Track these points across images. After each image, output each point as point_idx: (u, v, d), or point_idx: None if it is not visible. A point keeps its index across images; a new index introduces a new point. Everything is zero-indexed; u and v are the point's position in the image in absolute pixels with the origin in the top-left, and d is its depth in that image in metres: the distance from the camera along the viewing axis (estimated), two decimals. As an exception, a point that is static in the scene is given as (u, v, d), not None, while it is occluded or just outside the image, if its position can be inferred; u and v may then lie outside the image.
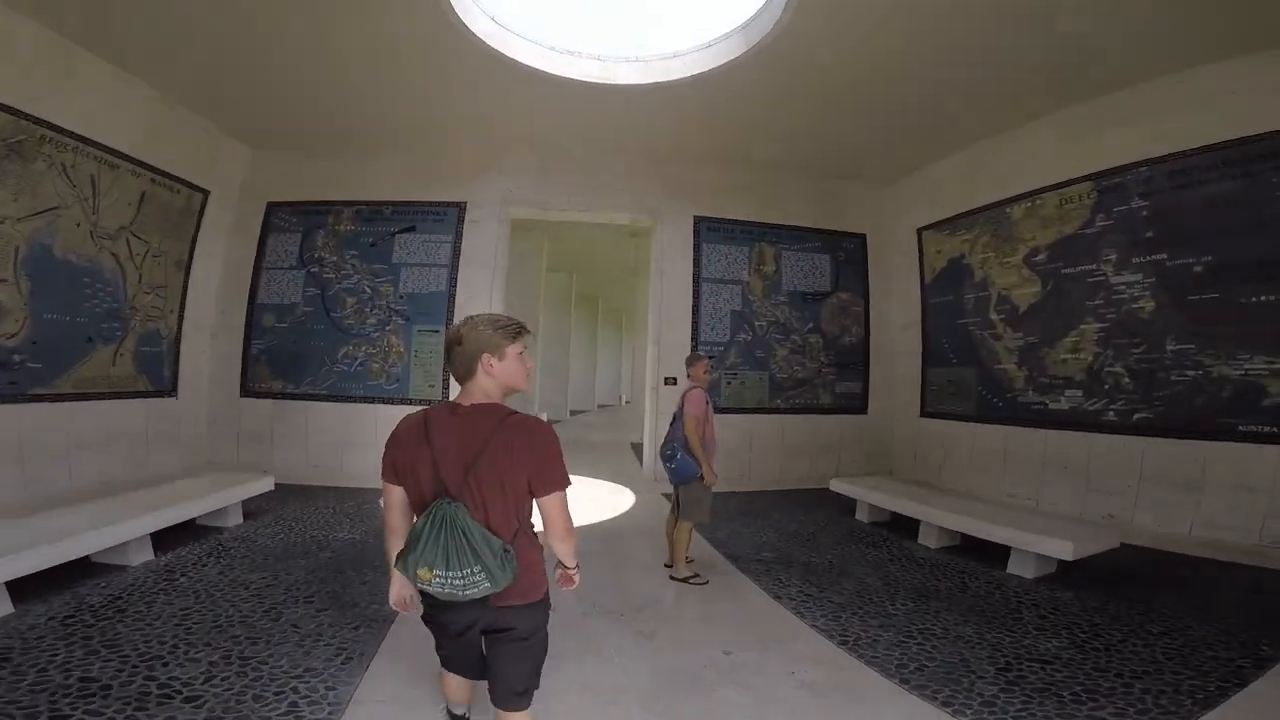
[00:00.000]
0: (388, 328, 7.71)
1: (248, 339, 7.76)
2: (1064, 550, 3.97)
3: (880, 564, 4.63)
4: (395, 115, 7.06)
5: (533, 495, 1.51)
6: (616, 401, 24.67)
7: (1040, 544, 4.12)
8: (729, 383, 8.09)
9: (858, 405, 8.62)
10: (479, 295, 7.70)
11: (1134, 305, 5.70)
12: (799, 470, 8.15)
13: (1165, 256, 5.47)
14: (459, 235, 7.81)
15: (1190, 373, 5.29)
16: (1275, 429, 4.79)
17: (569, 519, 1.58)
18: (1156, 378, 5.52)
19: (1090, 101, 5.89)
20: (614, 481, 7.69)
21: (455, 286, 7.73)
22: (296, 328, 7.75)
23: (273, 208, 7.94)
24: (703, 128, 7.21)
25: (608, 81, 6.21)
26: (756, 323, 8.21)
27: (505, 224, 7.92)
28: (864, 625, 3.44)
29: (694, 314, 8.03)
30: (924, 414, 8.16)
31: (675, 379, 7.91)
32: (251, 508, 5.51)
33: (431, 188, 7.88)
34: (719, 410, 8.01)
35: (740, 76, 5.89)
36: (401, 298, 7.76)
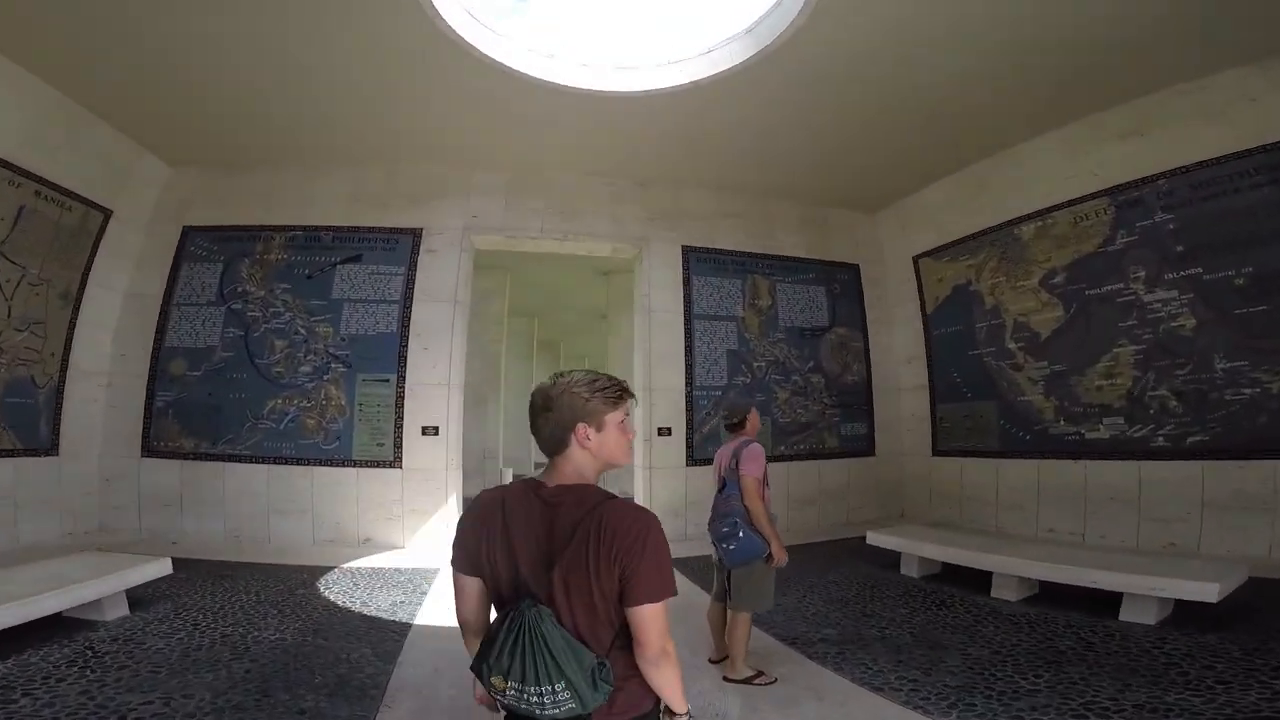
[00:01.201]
0: (325, 377, 6.56)
1: (151, 389, 6.45)
2: (1209, 592, 3.36)
3: (969, 628, 3.82)
4: (342, 125, 6.22)
5: (623, 603, 1.16)
6: None
7: (1177, 588, 3.50)
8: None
9: (864, 447, 7.95)
10: (437, 337, 6.70)
11: (1173, 324, 5.31)
12: (808, 521, 7.33)
13: (1201, 270, 5.13)
14: (413, 266, 6.84)
15: (1247, 390, 4.86)
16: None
17: (663, 638, 1.18)
18: (1209, 398, 5.08)
19: (1095, 115, 5.72)
20: None
21: (408, 327, 6.71)
22: (213, 376, 6.49)
23: (190, 233, 6.79)
24: (690, 147, 6.68)
25: (592, 89, 5.59)
26: (755, 363, 7.51)
27: (468, 254, 7.02)
28: (1011, 710, 2.69)
29: (687, 354, 7.26)
30: (936, 452, 7.55)
31: (669, 429, 7.05)
32: (142, 594, 4.20)
33: (383, 211, 6.95)
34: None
35: (737, 84, 5.44)
36: (343, 340, 6.65)
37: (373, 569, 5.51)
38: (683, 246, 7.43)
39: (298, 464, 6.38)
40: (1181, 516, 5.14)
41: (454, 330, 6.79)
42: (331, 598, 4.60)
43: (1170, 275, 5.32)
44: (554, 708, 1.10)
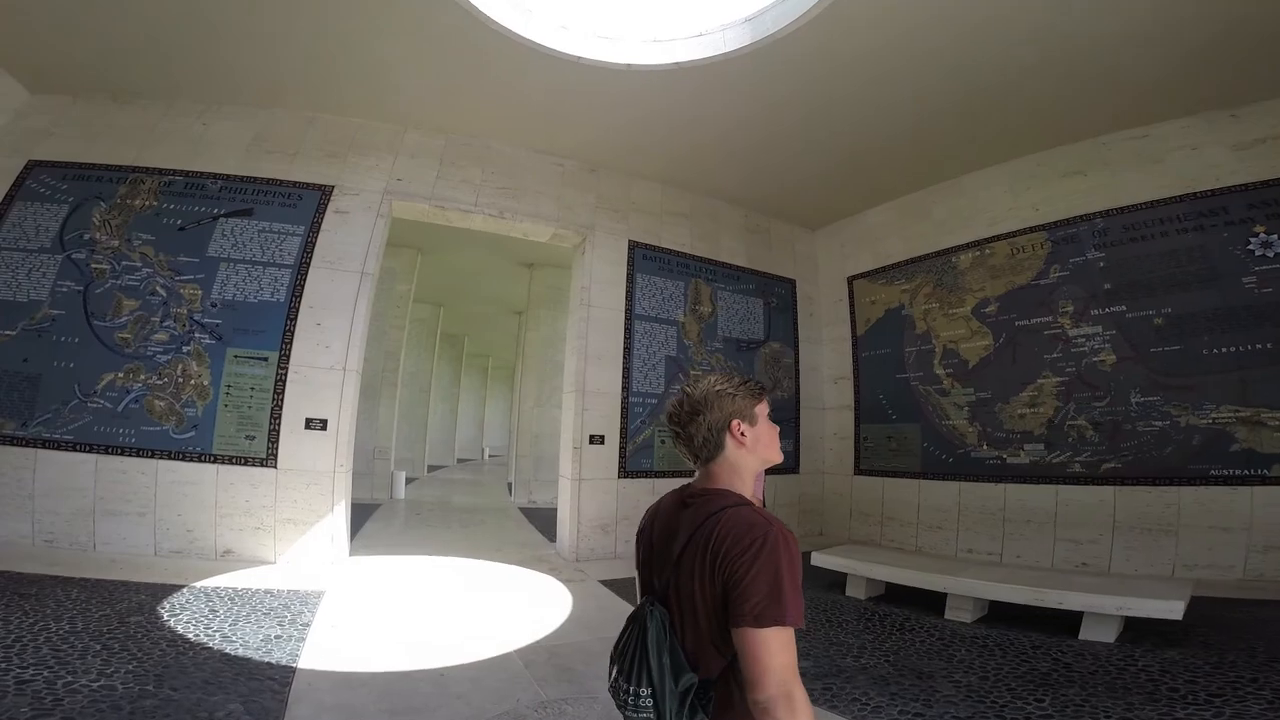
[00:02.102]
0: (185, 349, 5.28)
1: (-68, 351, 4.83)
2: (1175, 610, 3.43)
3: (941, 653, 3.65)
4: (252, 61, 5.18)
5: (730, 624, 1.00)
6: (478, 456, 22.40)
7: (1143, 606, 3.53)
8: (663, 442, 6.82)
9: (789, 464, 7.84)
10: (336, 312, 5.66)
11: (1094, 358, 5.64)
12: None
13: (1125, 308, 5.49)
14: (316, 228, 5.75)
15: (1157, 423, 5.22)
16: (1247, 472, 4.76)
17: (783, 679, 0.92)
18: (1122, 429, 5.42)
19: (1042, 153, 6.02)
20: (520, 565, 5.82)
21: (300, 297, 5.59)
22: (33, 338, 5.03)
23: (35, 168, 5.33)
24: (650, 135, 6.28)
25: (566, 52, 4.97)
26: (693, 371, 7.14)
27: (385, 221, 6.03)
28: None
29: (625, 357, 6.73)
30: (858, 471, 7.61)
31: (602, 437, 6.46)
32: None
33: (289, 163, 5.85)
34: (655, 473, 6.82)
35: (718, 74, 5.14)
36: (214, 306, 5.42)
37: (236, 590, 4.38)
38: (630, 241, 6.93)
39: (138, 455, 5.03)
40: (1093, 538, 5.42)
41: (358, 306, 5.76)
42: (181, 628, 3.50)
43: (1096, 311, 5.65)
44: (634, 711, 1.05)
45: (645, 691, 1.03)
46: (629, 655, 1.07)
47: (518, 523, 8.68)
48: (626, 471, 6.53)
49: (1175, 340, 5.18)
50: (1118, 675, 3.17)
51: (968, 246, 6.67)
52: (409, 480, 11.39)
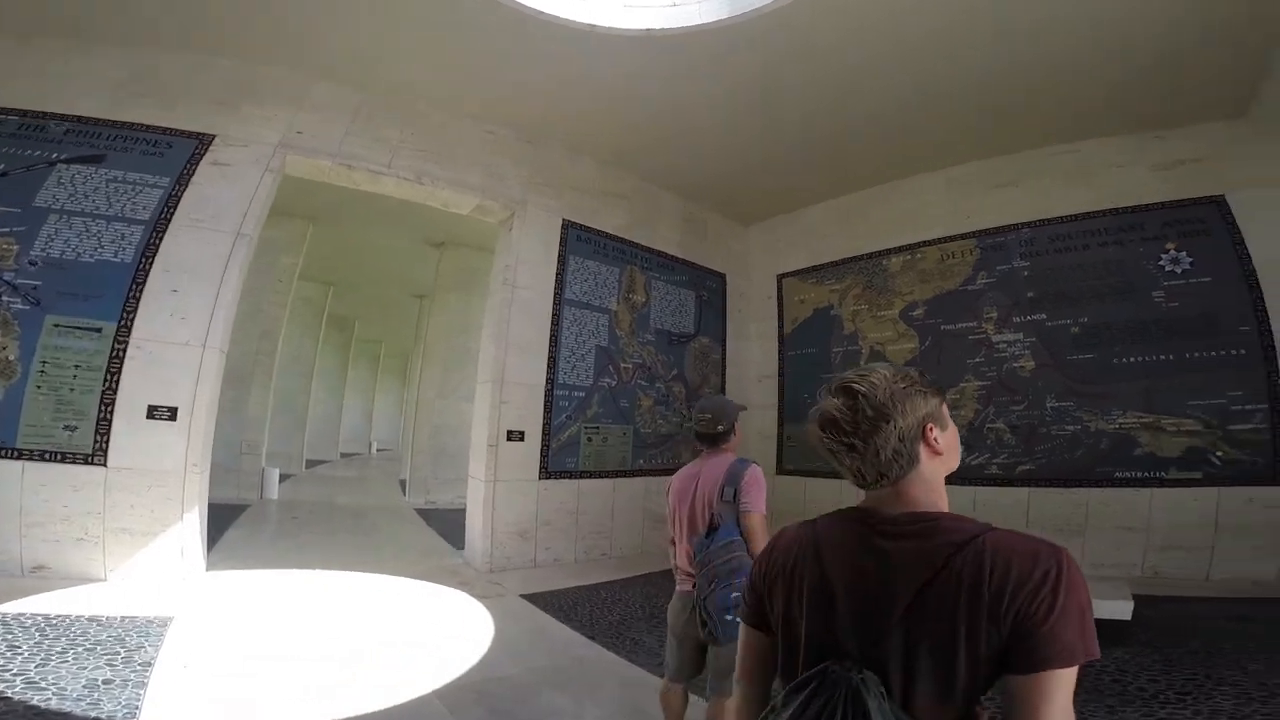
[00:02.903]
0: (-13, 315, 4.06)
1: None
2: (1125, 610, 3.56)
3: None
4: None
5: (1006, 669, 0.80)
6: (365, 450, 20.73)
7: (1099, 608, 3.49)
8: (589, 439, 6.29)
9: (718, 463, 7.63)
10: (200, 279, 4.63)
11: (1015, 364, 5.85)
12: (660, 539, 6.68)
13: (1045, 317, 5.73)
14: (184, 180, 4.69)
15: (1070, 427, 5.49)
16: (1148, 475, 5.10)
17: (1069, 708, 0.81)
18: (1037, 432, 5.65)
19: (977, 162, 6.17)
20: (425, 579, 5.02)
21: (154, 259, 4.49)
22: None
23: None
24: (594, 107, 5.76)
25: (524, 3, 4.32)
26: (623, 364, 6.67)
27: (274, 177, 5.03)
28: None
29: (552, 345, 6.12)
30: (781, 471, 7.54)
31: (522, 434, 5.81)
32: None
33: (166, 109, 4.86)
34: (580, 474, 6.26)
35: (679, 48, 4.79)
36: (32, 264, 4.25)
37: (49, 617, 3.35)
38: (564, 220, 6.31)
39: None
40: (1010, 539, 5.61)
41: (228, 273, 4.71)
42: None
43: (1018, 319, 5.87)
44: None
45: None
46: None
47: (416, 527, 7.76)
48: (548, 472, 5.92)
49: (1090, 349, 5.46)
50: (1082, 678, 3.11)
51: (900, 250, 6.75)
52: (283, 477, 9.95)
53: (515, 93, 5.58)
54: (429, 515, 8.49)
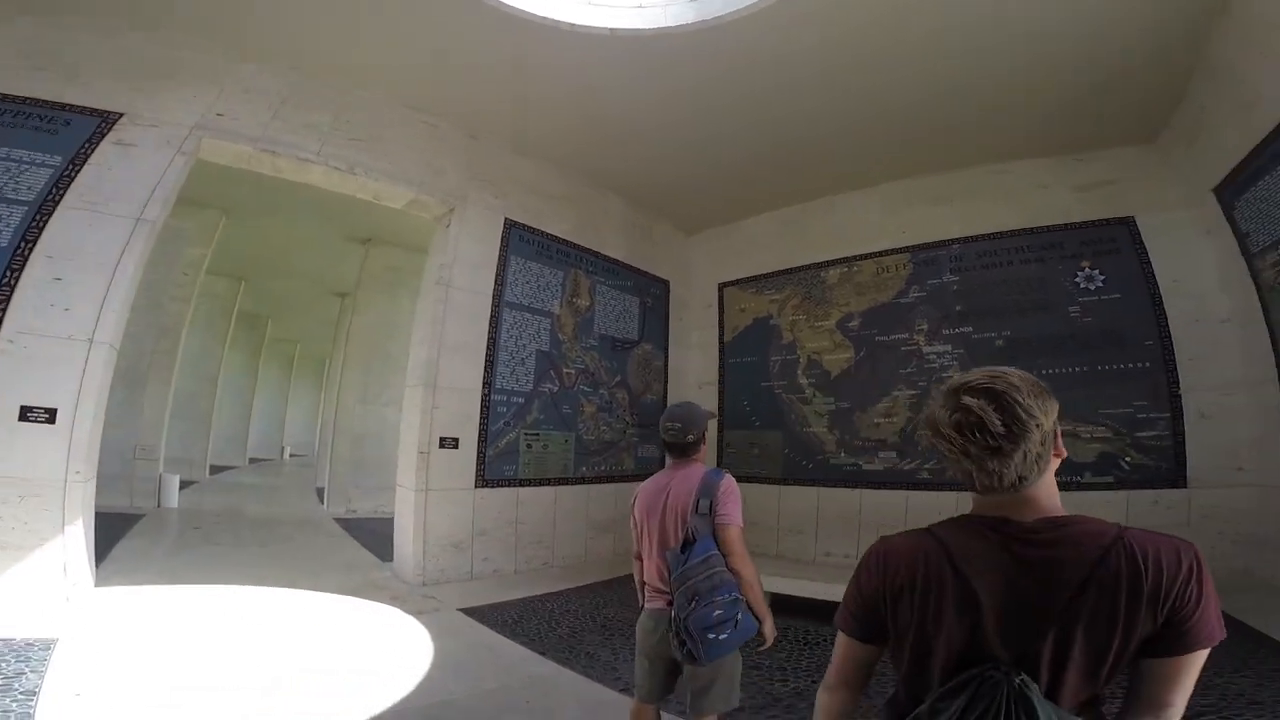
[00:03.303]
0: None
1: None
2: None
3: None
4: None
5: (1149, 654, 0.90)
6: (277, 456, 19.41)
7: None
8: (529, 446, 6.04)
9: (656, 470, 7.52)
10: (90, 267, 4.10)
11: (944, 374, 6.10)
12: (604, 550, 6.56)
13: (971, 329, 6.02)
14: (79, 159, 4.17)
15: (994, 436, 5.75)
16: (1067, 479, 5.36)
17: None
18: (964, 441, 5.89)
19: (913, 179, 6.42)
20: (351, 594, 4.60)
21: (35, 243, 3.93)
22: None
23: None
24: (546, 105, 5.64)
25: None
26: (565, 370, 6.46)
27: (186, 160, 4.55)
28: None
29: (490, 348, 5.83)
30: (724, 480, 7.53)
31: (456, 440, 5.49)
32: None
33: (66, 83, 4.32)
34: (519, 482, 5.97)
35: (639, 51, 4.73)
36: None
37: None
38: (506, 219, 6.06)
39: None
40: (941, 542, 5.81)
41: (124, 262, 4.19)
42: None
43: (947, 331, 6.13)
44: None
45: None
46: None
47: (336, 538, 7.19)
48: (485, 480, 5.62)
49: (1012, 361, 5.67)
50: None
51: (837, 262, 6.93)
52: (184, 485, 9.03)
53: (462, 84, 5.33)
54: (351, 525, 7.93)
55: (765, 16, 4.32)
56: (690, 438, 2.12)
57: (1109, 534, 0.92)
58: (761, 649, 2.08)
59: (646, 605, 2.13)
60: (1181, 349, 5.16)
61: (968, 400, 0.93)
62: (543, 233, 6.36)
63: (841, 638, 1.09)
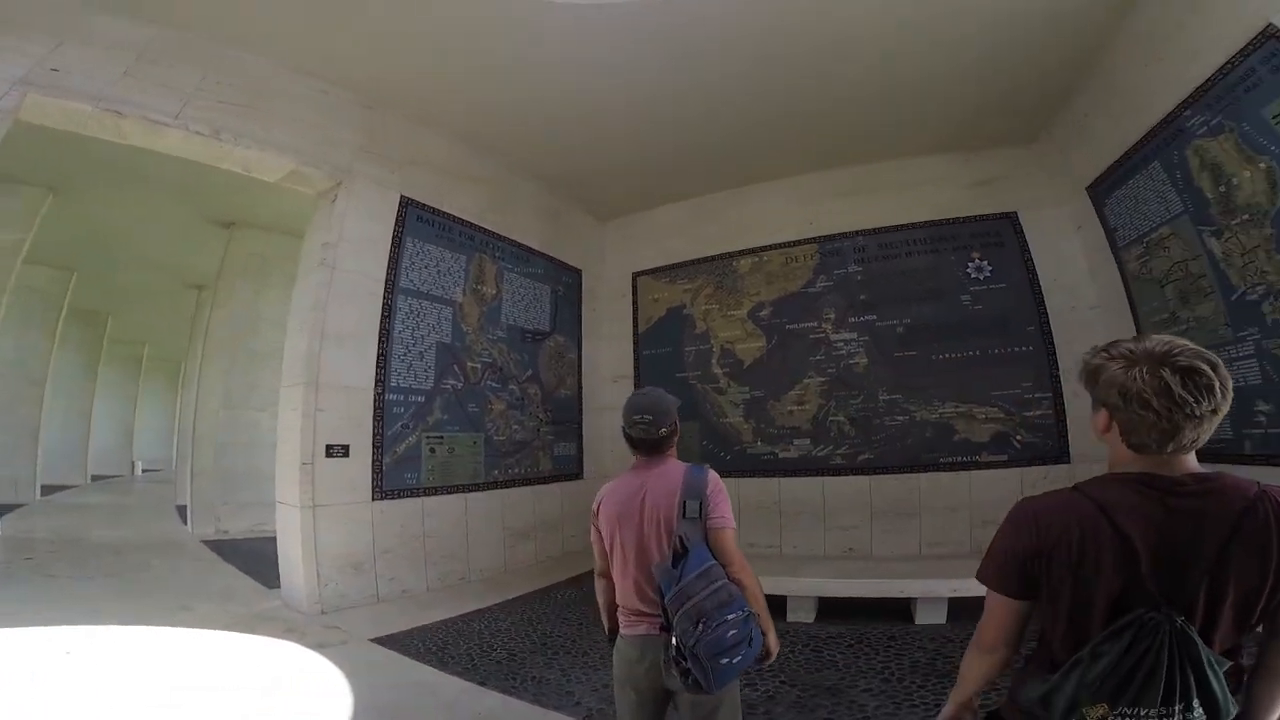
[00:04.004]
0: None
1: None
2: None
3: (830, 663, 3.44)
4: None
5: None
6: (127, 471, 17.38)
7: (976, 585, 3.65)
8: (433, 450, 5.48)
9: (574, 469, 7.21)
10: None
11: (851, 361, 6.28)
12: (525, 557, 6.15)
13: (875, 318, 6.23)
14: None
15: (900, 418, 6.01)
16: (966, 459, 5.75)
17: None
18: (873, 424, 6.11)
19: (822, 171, 6.54)
20: (235, 629, 3.85)
21: None
22: None
23: None
24: (458, 79, 5.09)
25: None
26: (470, 364, 5.94)
27: (2, 120, 3.57)
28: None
29: (382, 341, 5.20)
30: (641, 475, 7.35)
31: (345, 448, 4.85)
32: None
33: None
34: (424, 491, 5.38)
35: (578, 22, 4.34)
36: None
37: None
38: (402, 196, 5.43)
39: None
40: (856, 524, 5.96)
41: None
42: None
43: (853, 319, 6.30)
44: None
45: (1196, 704, 0.94)
46: (1155, 679, 0.93)
47: (207, 563, 6.21)
48: (384, 491, 5.01)
49: (913, 347, 6.04)
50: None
51: (749, 252, 6.94)
52: (7, 509, 7.47)
53: (363, 47, 4.67)
54: (223, 547, 6.91)
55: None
56: (663, 431, 1.82)
57: (1252, 489, 1.00)
58: (766, 664, 1.81)
59: (624, 631, 1.80)
60: (1058, 334, 5.62)
61: (1200, 364, 0.98)
62: (444, 213, 5.78)
63: (999, 600, 1.16)
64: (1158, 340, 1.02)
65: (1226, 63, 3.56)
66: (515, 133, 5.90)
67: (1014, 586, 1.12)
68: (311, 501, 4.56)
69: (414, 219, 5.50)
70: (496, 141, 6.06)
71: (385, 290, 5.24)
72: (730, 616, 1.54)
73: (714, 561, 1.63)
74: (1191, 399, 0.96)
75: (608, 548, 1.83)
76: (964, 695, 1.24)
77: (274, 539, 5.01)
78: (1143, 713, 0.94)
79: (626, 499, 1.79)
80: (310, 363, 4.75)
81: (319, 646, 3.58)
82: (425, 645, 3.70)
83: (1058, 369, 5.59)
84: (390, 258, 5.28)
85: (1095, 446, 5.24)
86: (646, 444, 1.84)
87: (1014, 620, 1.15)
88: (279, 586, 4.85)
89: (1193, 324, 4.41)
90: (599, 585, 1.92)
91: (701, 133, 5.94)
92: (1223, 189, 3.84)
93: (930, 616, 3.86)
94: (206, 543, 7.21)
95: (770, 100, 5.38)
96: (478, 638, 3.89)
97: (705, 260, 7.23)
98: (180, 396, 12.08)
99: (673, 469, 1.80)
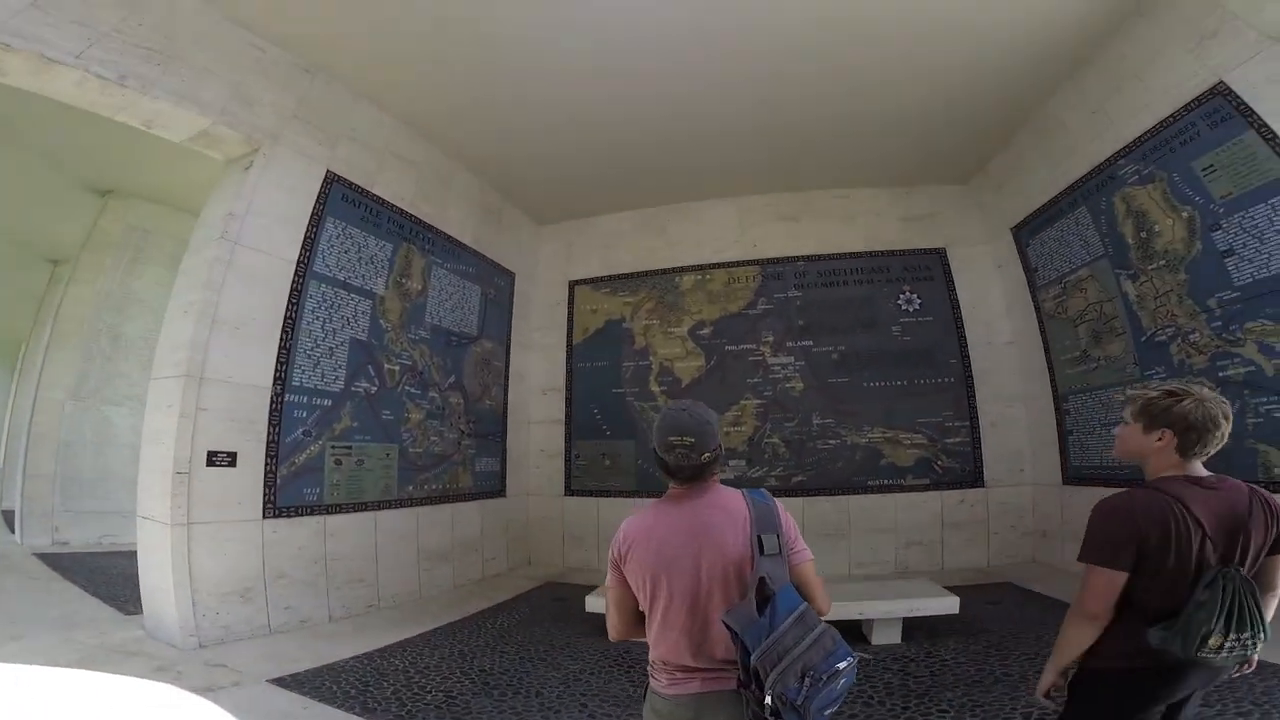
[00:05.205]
0: None
1: None
2: (952, 605, 3.78)
3: None
4: None
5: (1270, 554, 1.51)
6: None
7: (930, 605, 3.82)
8: (339, 462, 4.80)
9: (496, 486, 6.66)
10: None
11: (787, 384, 6.34)
12: (442, 581, 5.55)
13: (811, 343, 6.35)
14: None
15: (832, 441, 6.11)
16: (892, 482, 5.92)
17: None
18: (806, 446, 6.17)
19: (768, 195, 6.63)
20: (85, 664, 2.95)
21: None
22: None
23: None
24: (409, 51, 4.65)
25: None
26: (388, 365, 5.33)
27: None
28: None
29: (286, 331, 4.52)
30: (569, 492, 6.97)
31: (232, 456, 4.10)
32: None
33: None
34: (326, 509, 4.65)
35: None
36: None
37: None
38: (329, 172, 4.80)
39: None
40: (788, 546, 5.93)
41: None
42: None
43: (790, 344, 6.38)
44: (1252, 649, 1.40)
45: (1259, 630, 1.38)
46: (1243, 614, 1.36)
47: (40, 581, 5.09)
48: (278, 508, 4.28)
49: (845, 374, 6.19)
50: (959, 674, 3.24)
51: (692, 269, 6.87)
52: None
53: (310, 5, 4.15)
54: (62, 562, 5.73)
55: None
56: (706, 456, 1.50)
57: (1245, 485, 1.50)
58: None
59: (666, 690, 1.45)
60: (976, 366, 5.97)
61: (1227, 407, 1.50)
62: (374, 195, 5.19)
63: (1106, 575, 1.46)
64: (1201, 388, 1.51)
65: (1170, 115, 3.93)
66: (459, 118, 5.47)
67: (1126, 562, 1.44)
68: (186, 518, 3.77)
69: (338, 198, 4.87)
70: (438, 125, 5.58)
71: (295, 274, 4.56)
72: (841, 665, 1.27)
73: (804, 603, 1.35)
74: (1225, 426, 1.49)
75: (646, 598, 1.49)
76: (1066, 661, 1.55)
77: (127, 553, 4.12)
78: (1241, 638, 1.35)
79: (670, 539, 1.47)
80: (194, 352, 3.98)
81: (206, 690, 2.88)
82: (341, 687, 3.08)
83: (975, 399, 5.92)
84: (306, 238, 4.62)
85: (1006, 473, 5.61)
86: (687, 471, 1.52)
87: (1115, 591, 1.46)
88: (139, 613, 3.97)
89: (1103, 362, 4.80)
90: (618, 632, 1.59)
91: (651, 143, 5.84)
92: (1144, 234, 4.23)
93: (886, 637, 3.81)
94: (40, 556, 5.95)
95: (723, 117, 5.39)
96: (404, 676, 3.31)
97: (648, 274, 7.07)
98: (15, 385, 10.06)
99: (729, 499, 1.50)
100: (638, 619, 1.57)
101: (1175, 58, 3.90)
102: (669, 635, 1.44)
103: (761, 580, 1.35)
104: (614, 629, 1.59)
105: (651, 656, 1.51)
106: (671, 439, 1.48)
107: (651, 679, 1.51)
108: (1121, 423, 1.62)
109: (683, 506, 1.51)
